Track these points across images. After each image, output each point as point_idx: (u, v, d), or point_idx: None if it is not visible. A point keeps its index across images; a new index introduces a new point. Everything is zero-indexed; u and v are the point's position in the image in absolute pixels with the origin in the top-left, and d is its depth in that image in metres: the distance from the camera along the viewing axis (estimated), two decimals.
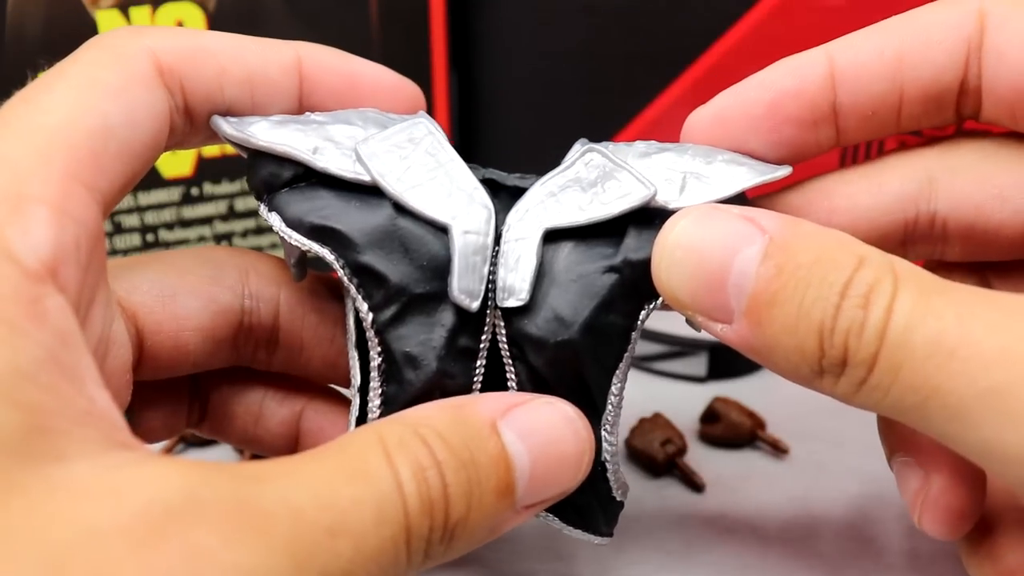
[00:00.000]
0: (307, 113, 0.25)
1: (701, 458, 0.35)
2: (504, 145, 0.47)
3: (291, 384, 0.28)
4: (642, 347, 0.40)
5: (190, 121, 0.23)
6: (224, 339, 0.25)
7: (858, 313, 0.19)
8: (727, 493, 0.33)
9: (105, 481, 0.16)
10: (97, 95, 0.20)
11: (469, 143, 0.47)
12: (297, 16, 0.39)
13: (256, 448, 0.28)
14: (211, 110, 0.23)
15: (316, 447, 0.19)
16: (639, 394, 0.39)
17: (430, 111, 0.43)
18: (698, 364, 0.39)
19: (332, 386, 0.28)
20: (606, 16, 0.42)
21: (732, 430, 0.35)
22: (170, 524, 0.15)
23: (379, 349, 0.23)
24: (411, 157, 0.23)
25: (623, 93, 0.43)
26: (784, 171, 0.25)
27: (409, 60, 0.42)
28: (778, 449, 0.35)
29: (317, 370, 0.27)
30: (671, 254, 0.21)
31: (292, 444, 0.27)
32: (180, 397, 0.27)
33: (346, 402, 0.27)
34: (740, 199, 0.24)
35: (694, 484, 0.33)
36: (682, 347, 0.39)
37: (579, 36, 0.43)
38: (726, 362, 0.39)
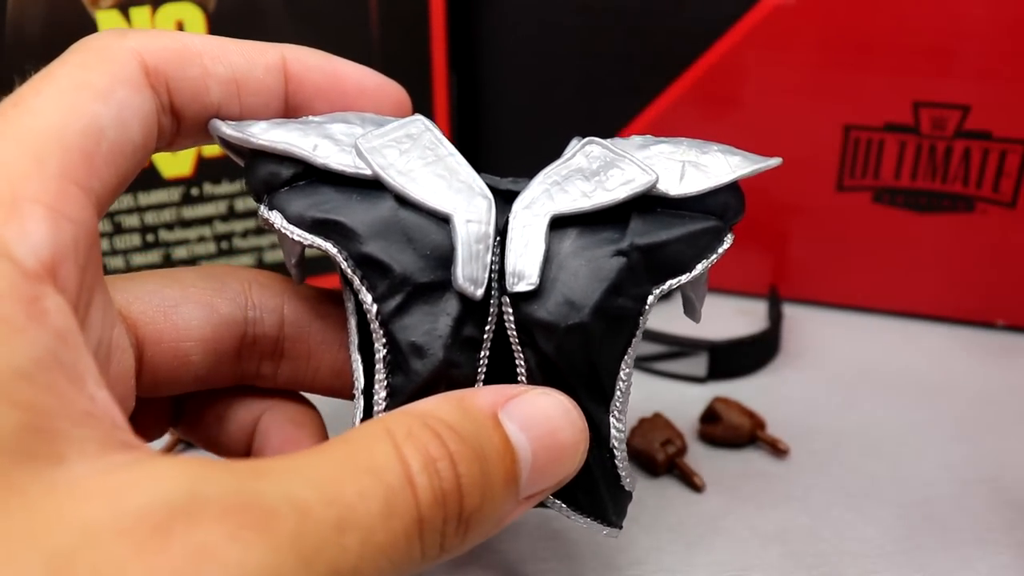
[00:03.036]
0: (305, 116, 0.25)
1: (701, 458, 0.35)
2: (504, 145, 0.47)
3: (256, 391, 0.27)
4: (642, 347, 0.40)
5: (177, 122, 0.23)
6: (227, 351, 0.25)
7: None
8: (727, 493, 0.33)
9: (106, 482, 0.16)
10: (86, 97, 0.20)
11: (469, 143, 0.47)
12: (297, 16, 0.40)
13: (218, 451, 0.28)
14: (198, 110, 0.23)
15: (295, 448, 0.19)
16: (639, 394, 0.39)
17: (430, 111, 0.43)
18: (698, 364, 0.39)
19: (297, 397, 0.28)
20: (606, 16, 0.42)
21: (732, 430, 0.35)
22: (173, 524, 0.15)
23: (384, 340, 0.23)
24: (411, 151, 0.24)
25: (623, 93, 0.43)
26: (775, 161, 0.25)
27: (409, 60, 0.42)
28: (778, 449, 0.35)
29: (325, 380, 0.27)
30: None
31: (247, 449, 0.27)
32: (163, 402, 0.27)
33: (306, 413, 0.27)
34: (735, 186, 0.25)
35: (694, 484, 0.33)
36: (682, 347, 0.39)
37: (579, 36, 0.43)
38: (726, 362, 0.39)
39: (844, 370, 0.40)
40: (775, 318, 0.42)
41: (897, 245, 0.43)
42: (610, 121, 0.44)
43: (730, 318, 0.44)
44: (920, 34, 0.38)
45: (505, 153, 0.47)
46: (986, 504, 0.32)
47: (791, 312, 0.44)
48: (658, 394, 0.39)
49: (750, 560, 0.30)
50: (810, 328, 0.43)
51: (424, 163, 0.23)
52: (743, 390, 0.39)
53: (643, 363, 0.40)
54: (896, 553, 0.30)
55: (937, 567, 0.30)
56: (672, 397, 0.38)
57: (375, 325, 0.23)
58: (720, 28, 0.41)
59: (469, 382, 0.23)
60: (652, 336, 0.40)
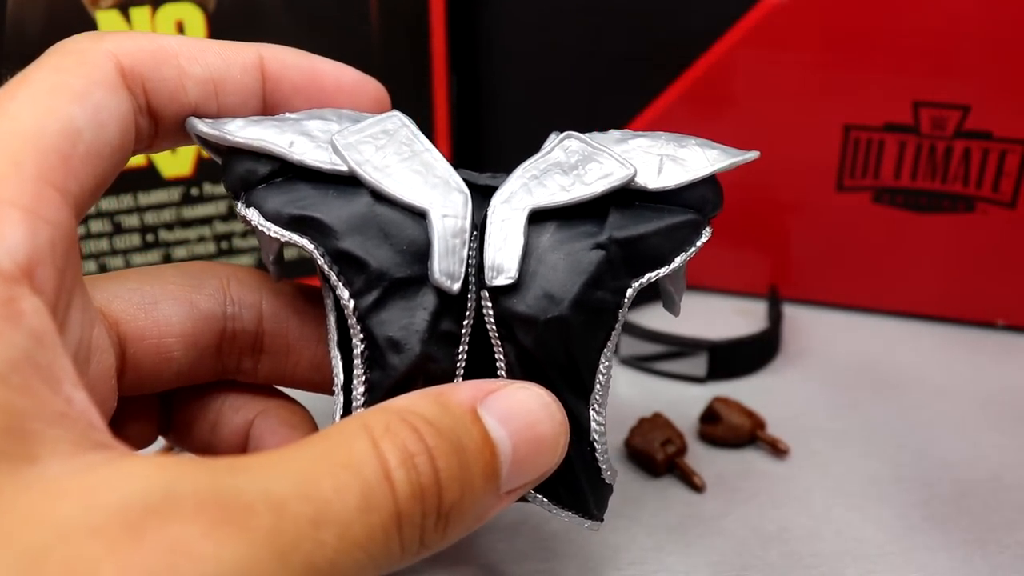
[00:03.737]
0: (283, 113, 0.25)
1: (701, 458, 0.35)
2: (504, 145, 0.47)
3: (247, 394, 0.28)
4: (642, 347, 0.40)
5: (155, 123, 0.23)
6: (208, 347, 0.25)
7: None
8: (727, 493, 0.33)
9: (79, 481, 0.16)
10: (62, 99, 0.20)
11: (469, 144, 0.47)
12: (297, 16, 0.40)
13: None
14: (176, 111, 0.23)
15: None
16: (639, 394, 0.39)
17: (430, 111, 0.43)
18: (698, 364, 0.39)
19: (288, 399, 0.28)
20: (606, 16, 0.42)
21: (732, 430, 0.35)
22: (147, 521, 0.15)
23: (361, 336, 0.23)
24: (387, 147, 0.24)
25: (623, 93, 0.43)
26: (753, 155, 0.25)
27: (409, 60, 0.42)
28: (778, 449, 0.35)
29: (305, 375, 0.27)
30: None
31: (242, 453, 0.27)
32: (151, 407, 0.27)
33: (298, 415, 0.27)
34: (713, 180, 0.25)
35: (694, 484, 0.33)
36: (682, 347, 0.39)
37: (579, 36, 0.43)
38: (726, 362, 0.39)
39: (844, 370, 0.40)
40: (775, 318, 0.42)
41: (897, 245, 0.43)
42: (610, 121, 0.43)
43: (730, 318, 0.44)
44: (920, 34, 0.38)
45: (505, 153, 0.46)
46: (986, 504, 0.32)
47: (791, 312, 0.44)
48: (658, 394, 0.39)
49: (750, 560, 0.30)
50: (810, 328, 0.43)
51: (400, 159, 0.23)
52: (743, 390, 0.39)
53: (643, 363, 0.40)
54: (896, 553, 0.30)
55: (937, 567, 0.30)
56: (672, 397, 0.38)
57: (352, 320, 0.23)
58: (720, 28, 0.41)
59: (448, 377, 0.23)
60: (652, 336, 0.40)
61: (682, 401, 0.38)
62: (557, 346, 0.23)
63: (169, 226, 0.41)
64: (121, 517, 0.15)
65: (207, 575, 0.15)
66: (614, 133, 0.26)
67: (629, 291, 0.24)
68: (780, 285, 0.45)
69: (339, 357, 0.24)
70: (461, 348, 0.24)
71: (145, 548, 0.15)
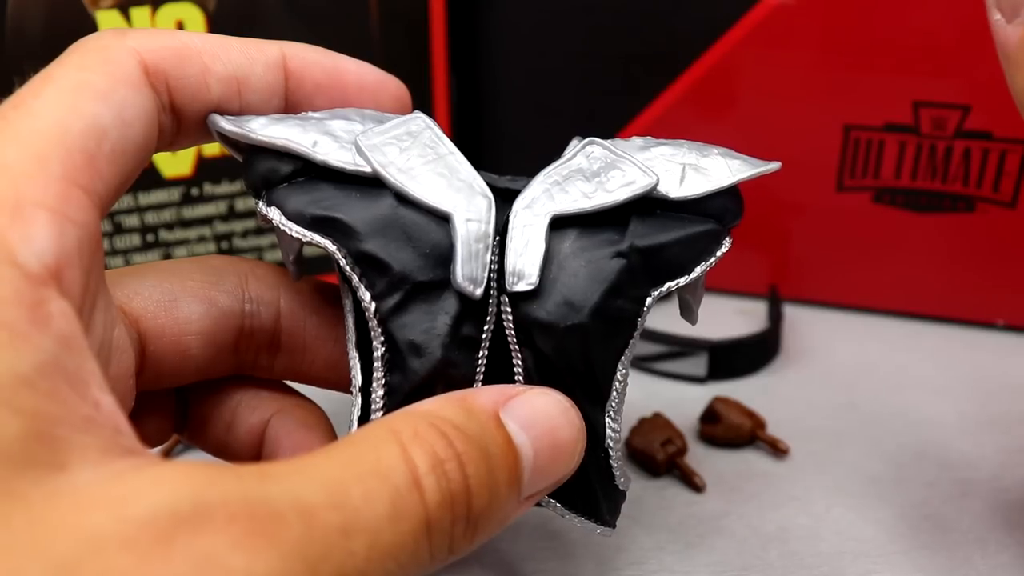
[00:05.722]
0: (305, 112, 0.25)
1: (701, 458, 0.35)
2: (504, 146, 0.47)
3: (264, 394, 0.27)
4: (642, 347, 0.40)
5: (178, 120, 0.23)
6: (226, 344, 0.25)
7: None
8: (727, 493, 0.33)
9: (109, 489, 0.16)
10: (86, 97, 0.20)
11: (469, 144, 0.47)
12: (297, 16, 0.40)
13: (227, 457, 0.28)
14: (199, 109, 0.23)
15: (322, 447, 0.19)
16: (639, 394, 0.39)
17: (430, 112, 0.43)
18: (698, 364, 0.39)
19: (304, 399, 0.28)
20: (606, 16, 0.42)
21: (732, 430, 0.35)
22: (177, 531, 0.15)
23: (382, 339, 0.23)
24: (411, 149, 0.24)
25: (623, 93, 0.43)
26: (775, 166, 0.25)
27: (409, 60, 0.42)
28: (778, 449, 0.35)
29: (320, 373, 0.27)
30: None
31: (258, 453, 0.27)
32: (167, 403, 0.27)
33: (315, 415, 0.27)
34: (734, 190, 0.25)
35: (694, 484, 0.33)
36: (682, 347, 0.39)
37: (579, 36, 0.43)
38: (726, 362, 0.39)
39: (844, 370, 0.40)
40: (775, 318, 0.42)
41: (897, 245, 0.43)
42: (610, 121, 0.44)
43: (730, 318, 0.44)
44: (920, 34, 0.38)
45: (505, 153, 0.46)
46: (986, 504, 0.32)
47: (791, 312, 0.44)
48: (658, 394, 0.39)
49: (750, 560, 0.30)
50: (810, 328, 0.44)
51: (424, 161, 0.23)
52: (743, 390, 0.39)
53: (643, 363, 0.40)
54: (896, 553, 0.30)
55: (937, 567, 0.30)
56: (672, 397, 0.38)
57: (373, 323, 0.23)
58: (720, 28, 0.41)
59: (468, 382, 0.23)
60: (652, 336, 0.40)
61: (682, 401, 0.38)
62: (575, 353, 0.23)
63: (169, 226, 0.41)
64: (151, 528, 0.15)
65: None
66: (636, 140, 0.26)
67: (648, 300, 0.24)
68: (780, 285, 0.45)
69: (357, 358, 0.24)
70: (481, 353, 0.23)
71: (176, 560, 0.15)
